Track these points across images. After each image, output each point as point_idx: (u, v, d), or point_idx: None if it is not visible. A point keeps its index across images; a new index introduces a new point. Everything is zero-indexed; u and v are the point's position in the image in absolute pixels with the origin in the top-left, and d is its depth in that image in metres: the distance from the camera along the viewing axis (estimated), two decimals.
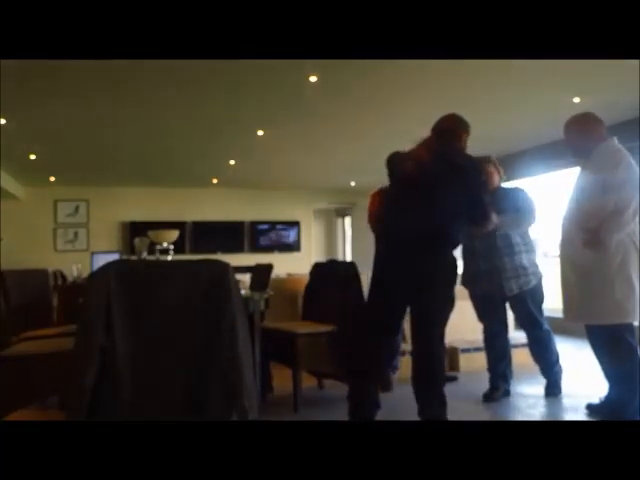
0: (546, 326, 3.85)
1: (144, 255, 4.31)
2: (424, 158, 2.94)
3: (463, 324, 4.83)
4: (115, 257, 8.71)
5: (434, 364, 2.86)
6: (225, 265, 2.04)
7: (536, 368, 3.99)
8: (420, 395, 2.85)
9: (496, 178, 3.82)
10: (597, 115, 3.26)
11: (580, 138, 3.21)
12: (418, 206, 2.86)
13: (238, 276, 2.30)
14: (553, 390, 3.83)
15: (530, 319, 3.82)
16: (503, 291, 3.74)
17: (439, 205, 2.84)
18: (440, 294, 2.88)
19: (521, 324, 3.95)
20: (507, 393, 3.89)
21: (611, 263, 3.00)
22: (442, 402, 2.82)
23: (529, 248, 3.80)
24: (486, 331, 3.96)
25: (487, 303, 3.87)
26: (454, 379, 4.35)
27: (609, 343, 3.08)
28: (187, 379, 1.98)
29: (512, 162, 7.64)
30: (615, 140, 3.16)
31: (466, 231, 3.18)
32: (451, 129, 3.04)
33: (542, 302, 3.84)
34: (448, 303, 2.94)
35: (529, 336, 3.91)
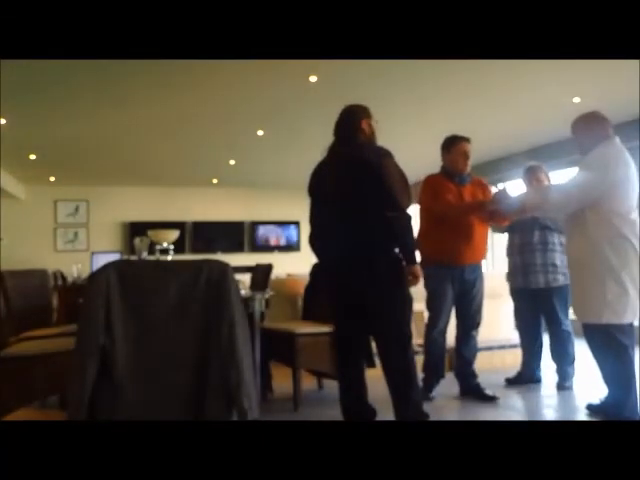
0: (566, 327, 3.99)
1: (144, 255, 4.31)
2: (331, 167, 2.84)
3: None
4: (115, 257, 8.73)
5: (406, 379, 2.72)
6: (225, 265, 2.04)
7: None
8: (397, 408, 2.73)
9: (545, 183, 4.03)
10: (602, 114, 3.25)
11: (584, 135, 3.21)
12: (341, 219, 2.73)
13: (238, 276, 2.30)
14: (563, 385, 3.97)
15: (552, 316, 4.00)
16: (531, 284, 3.97)
17: (359, 212, 2.70)
18: (388, 301, 2.72)
19: (545, 320, 4.07)
20: (536, 380, 4.13)
21: (605, 263, 3.00)
22: (420, 414, 2.71)
23: (565, 250, 3.89)
24: (519, 322, 4.22)
25: (520, 296, 4.12)
26: (494, 399, 3.69)
27: (602, 342, 3.08)
28: (187, 379, 1.98)
29: (512, 162, 7.64)
30: (616, 140, 3.14)
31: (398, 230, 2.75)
32: (347, 125, 2.88)
33: (567, 303, 3.93)
34: (399, 307, 2.77)
35: (549, 333, 4.07)
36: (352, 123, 2.87)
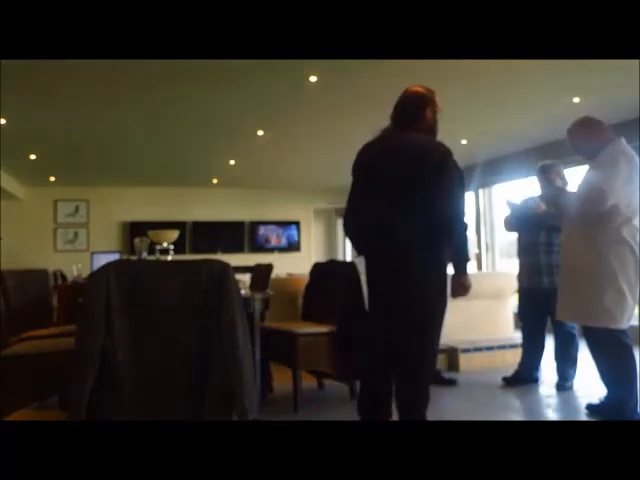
0: (571, 329, 3.99)
1: (144, 255, 4.31)
2: (386, 151, 2.58)
3: (463, 324, 4.84)
4: (115, 257, 8.73)
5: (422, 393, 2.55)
6: (225, 265, 2.05)
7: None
8: (402, 414, 2.56)
9: (558, 183, 4.00)
10: (596, 117, 3.25)
11: (587, 139, 3.18)
12: (391, 211, 2.48)
13: (238, 276, 2.30)
14: (563, 385, 3.98)
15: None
16: (535, 284, 4.01)
17: (413, 209, 2.45)
18: (431, 302, 2.51)
19: (550, 321, 4.06)
20: (534, 380, 4.15)
21: (607, 268, 2.99)
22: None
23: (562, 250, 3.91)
24: (523, 322, 4.23)
25: (526, 296, 4.15)
26: (453, 382, 4.23)
27: (605, 343, 3.08)
28: (187, 379, 1.98)
29: (513, 162, 7.64)
30: (622, 141, 3.13)
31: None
32: (410, 109, 2.66)
33: None
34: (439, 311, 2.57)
35: (554, 333, 4.09)
36: (416, 108, 2.65)
